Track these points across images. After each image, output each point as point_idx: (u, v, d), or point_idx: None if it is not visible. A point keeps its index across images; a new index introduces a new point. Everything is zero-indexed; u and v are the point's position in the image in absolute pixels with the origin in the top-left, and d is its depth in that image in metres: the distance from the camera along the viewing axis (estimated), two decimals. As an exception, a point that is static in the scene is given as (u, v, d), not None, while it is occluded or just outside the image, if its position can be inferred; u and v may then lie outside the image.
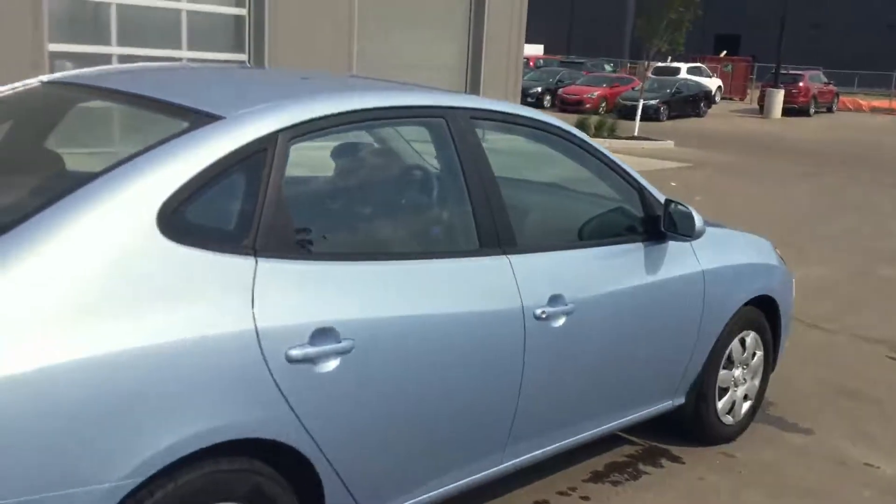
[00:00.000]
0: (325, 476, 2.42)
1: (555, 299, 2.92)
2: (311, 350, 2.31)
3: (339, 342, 2.37)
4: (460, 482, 2.88)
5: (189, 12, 11.54)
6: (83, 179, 2.14)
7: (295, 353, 2.28)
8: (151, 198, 2.13)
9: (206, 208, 2.25)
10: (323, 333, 2.34)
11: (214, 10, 11.80)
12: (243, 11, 12.08)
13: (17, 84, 3.03)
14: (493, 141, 3.11)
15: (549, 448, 3.19)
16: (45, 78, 3.02)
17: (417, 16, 13.88)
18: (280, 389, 2.26)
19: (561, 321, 2.94)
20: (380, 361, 2.48)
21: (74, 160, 2.59)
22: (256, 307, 2.23)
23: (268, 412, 2.24)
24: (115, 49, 10.90)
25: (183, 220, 2.17)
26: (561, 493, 3.47)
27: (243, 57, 12.28)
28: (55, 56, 10.36)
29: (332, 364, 2.36)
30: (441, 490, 2.83)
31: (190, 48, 11.71)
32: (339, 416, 2.40)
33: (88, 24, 10.69)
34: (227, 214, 2.33)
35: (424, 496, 2.78)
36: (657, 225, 3.35)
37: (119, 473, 1.98)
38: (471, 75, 14.34)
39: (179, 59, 11.34)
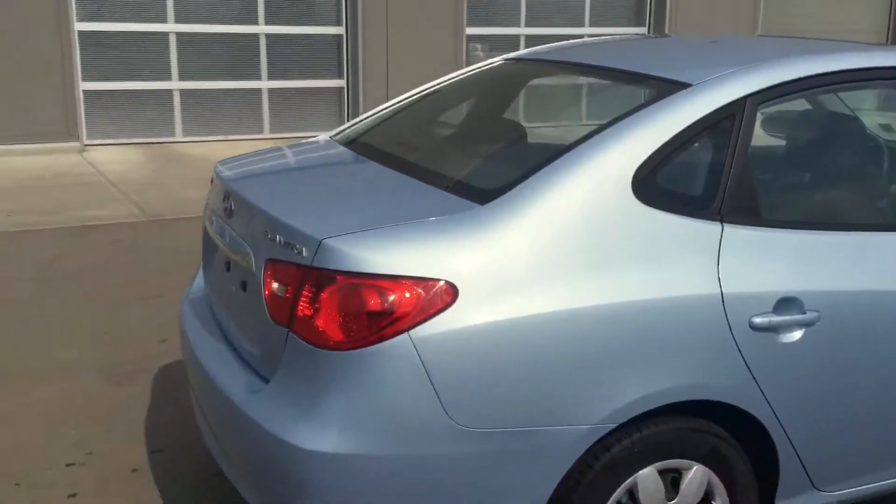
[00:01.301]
0: (781, 448, 2.39)
1: None
2: (775, 319, 2.28)
3: (804, 313, 2.31)
4: (920, 475, 2.67)
5: (592, -10, 11.82)
6: (562, 148, 2.31)
7: (759, 320, 2.26)
8: (627, 163, 2.24)
9: (675, 173, 2.31)
10: (787, 303, 2.30)
11: (617, -14, 11.95)
12: (645, -16, 12.09)
13: (482, 63, 3.35)
14: None
15: None
16: (507, 56, 3.30)
17: (831, -25, 12.82)
18: (742, 356, 2.26)
19: None
20: (845, 336, 2.37)
21: (546, 129, 2.80)
22: (722, 272, 2.25)
23: (729, 377, 2.26)
24: (523, 30, 11.54)
25: (654, 184, 2.26)
26: None
27: (643, 30, 12.32)
28: (470, 39, 11.25)
29: (795, 335, 2.31)
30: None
31: (591, 25, 12.01)
32: (799, 388, 2.35)
33: (499, 7, 11.42)
34: (694, 179, 2.37)
35: (879, 484, 2.62)
36: None
37: (596, 418, 2.13)
38: (893, 39, 12.95)
39: (581, 37, 11.67)
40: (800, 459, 2.43)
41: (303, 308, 2.11)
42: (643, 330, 2.16)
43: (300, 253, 2.14)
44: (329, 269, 2.08)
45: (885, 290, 2.42)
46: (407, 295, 2.03)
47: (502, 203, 2.17)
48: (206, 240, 2.88)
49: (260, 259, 2.29)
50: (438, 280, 2.05)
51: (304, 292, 2.11)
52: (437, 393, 2.03)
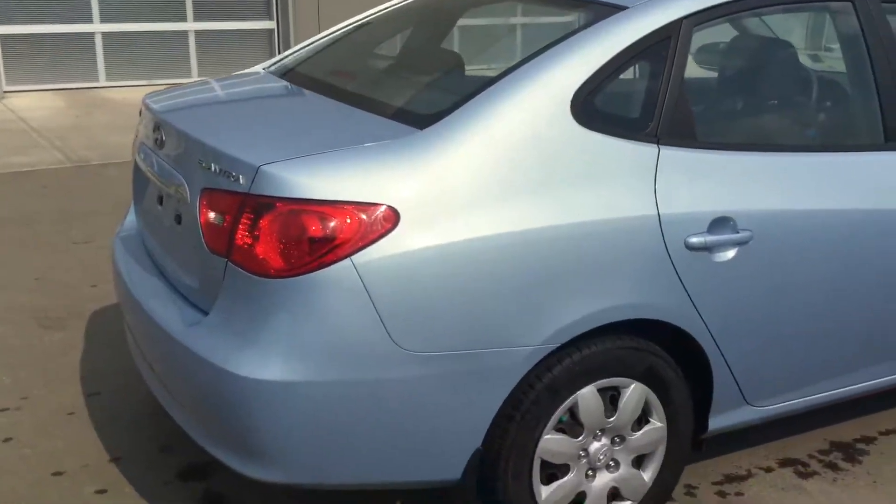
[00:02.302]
0: (716, 364, 2.46)
1: None
2: (710, 238, 2.32)
3: (738, 232, 2.36)
4: (844, 389, 2.78)
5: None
6: (500, 72, 2.30)
7: (694, 240, 2.31)
8: (566, 86, 2.24)
9: (612, 96, 2.32)
10: (721, 223, 2.35)
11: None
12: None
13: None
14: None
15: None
16: (442, -16, 3.25)
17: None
18: (679, 275, 2.31)
19: None
20: (777, 254, 2.44)
21: (483, 56, 2.78)
22: (659, 193, 2.28)
23: (666, 297, 2.31)
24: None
25: (592, 107, 2.26)
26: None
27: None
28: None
29: (729, 254, 2.37)
30: (824, 395, 2.75)
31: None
32: (732, 305, 2.41)
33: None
34: (631, 102, 2.38)
35: (808, 399, 2.73)
36: None
37: (539, 339, 2.16)
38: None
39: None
40: (733, 376, 2.51)
41: (241, 236, 2.08)
42: (583, 251, 2.18)
43: (237, 181, 2.10)
44: (268, 196, 2.04)
45: (820, 210, 2.49)
46: (348, 220, 2.02)
47: (441, 127, 2.16)
48: (137, 174, 2.80)
49: (195, 189, 2.24)
50: (379, 205, 2.03)
51: (243, 220, 2.07)
52: (381, 318, 2.03)
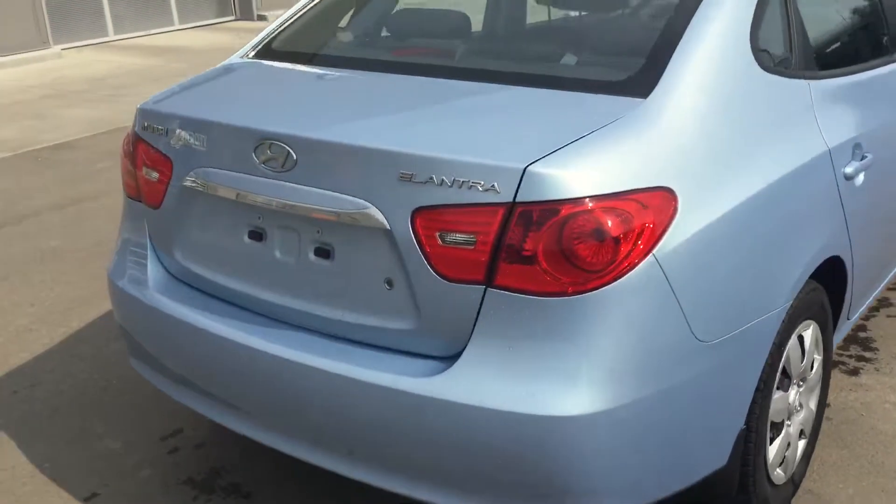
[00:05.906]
0: (849, 288, 2.52)
1: None
2: (856, 165, 2.36)
3: (865, 157, 2.42)
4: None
5: None
6: (668, 22, 2.06)
7: (849, 170, 2.33)
8: (742, 25, 2.09)
9: (769, 32, 2.20)
10: (857, 149, 2.39)
11: None
12: None
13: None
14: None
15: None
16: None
17: None
18: (843, 208, 2.32)
19: None
20: (882, 170, 2.55)
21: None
22: (821, 128, 2.25)
23: (838, 231, 2.31)
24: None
25: (759, 46, 2.14)
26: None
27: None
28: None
29: (860, 178, 2.42)
30: (886, 280, 2.97)
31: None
32: (864, 227, 2.48)
33: None
34: (775, 37, 2.28)
35: (871, 298, 2.92)
36: None
37: (784, 299, 2.05)
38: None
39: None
40: (852, 294, 2.60)
41: (510, 255, 1.70)
42: (797, 200, 2.11)
43: (491, 189, 1.70)
44: (546, 201, 1.68)
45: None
46: (640, 211, 1.73)
47: (661, 93, 1.91)
48: (186, 207, 2.16)
49: (397, 210, 1.78)
50: (660, 188, 1.77)
51: (512, 235, 1.69)
52: (683, 313, 1.79)
